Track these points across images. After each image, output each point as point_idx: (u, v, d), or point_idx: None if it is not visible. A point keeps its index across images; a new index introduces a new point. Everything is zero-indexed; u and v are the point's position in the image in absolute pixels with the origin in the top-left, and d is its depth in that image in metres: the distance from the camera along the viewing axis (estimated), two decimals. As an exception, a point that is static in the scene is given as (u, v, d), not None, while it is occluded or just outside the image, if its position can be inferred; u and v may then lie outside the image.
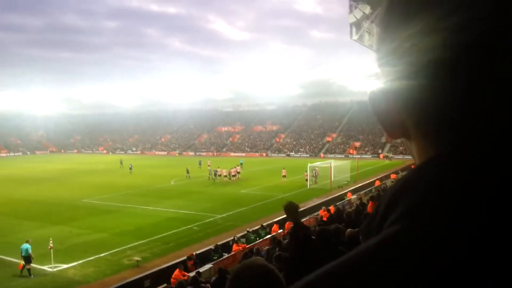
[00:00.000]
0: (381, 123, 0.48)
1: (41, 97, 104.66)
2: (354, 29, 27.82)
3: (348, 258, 0.39)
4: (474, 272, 0.33)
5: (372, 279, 0.35)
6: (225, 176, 39.11)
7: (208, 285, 10.39)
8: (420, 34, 0.38)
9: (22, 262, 15.57)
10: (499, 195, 0.34)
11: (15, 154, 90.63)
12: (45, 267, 16.14)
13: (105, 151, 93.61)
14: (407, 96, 0.42)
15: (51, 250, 16.02)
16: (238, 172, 40.19)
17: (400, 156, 61.09)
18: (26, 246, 15.57)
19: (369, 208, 11.31)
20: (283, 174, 38.04)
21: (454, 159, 0.38)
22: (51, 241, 16.18)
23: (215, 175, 39.48)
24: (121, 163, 54.84)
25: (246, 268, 1.28)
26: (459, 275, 0.33)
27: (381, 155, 64.60)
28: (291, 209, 3.34)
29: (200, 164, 50.72)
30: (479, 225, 0.34)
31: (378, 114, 0.47)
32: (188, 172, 41.96)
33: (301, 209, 23.69)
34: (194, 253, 15.79)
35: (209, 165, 45.71)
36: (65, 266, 16.38)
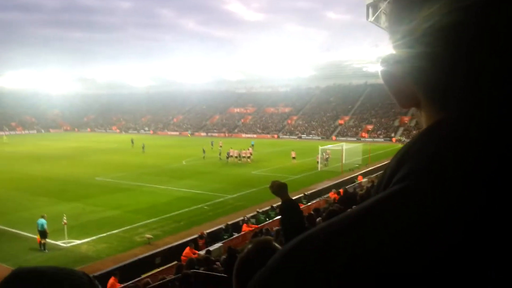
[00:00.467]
0: (392, 93, 0.49)
1: (56, 77, 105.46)
2: (371, 10, 27.28)
3: (351, 211, 0.40)
4: (479, 237, 0.32)
5: (371, 231, 0.36)
6: (236, 157, 39.29)
7: (218, 263, 10.55)
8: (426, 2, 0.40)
9: (38, 237, 15.99)
10: (506, 158, 0.34)
11: (30, 131, 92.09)
12: (59, 242, 16.52)
13: (118, 131, 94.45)
14: (414, 64, 0.43)
15: (65, 226, 16.38)
16: (251, 154, 40.16)
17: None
18: (41, 221, 15.93)
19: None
20: (293, 156, 38.01)
21: (460, 122, 0.39)
22: (64, 217, 16.53)
23: (227, 157, 39.65)
24: (132, 142, 55.38)
25: (255, 249, 1.26)
26: (463, 239, 0.33)
27: (393, 139, 64.03)
28: (280, 187, 3.14)
29: (212, 144, 50.93)
30: (487, 189, 0.34)
31: (389, 84, 0.49)
32: (204, 152, 42.30)
33: (312, 191, 23.69)
34: (205, 232, 16.00)
35: (220, 146, 45.92)
36: (78, 241, 16.75)
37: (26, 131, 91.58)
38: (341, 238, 0.37)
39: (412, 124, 68.89)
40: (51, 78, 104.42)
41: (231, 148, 40.88)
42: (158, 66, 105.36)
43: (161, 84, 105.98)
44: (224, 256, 11.86)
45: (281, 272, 0.39)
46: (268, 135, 76.66)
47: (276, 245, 1.31)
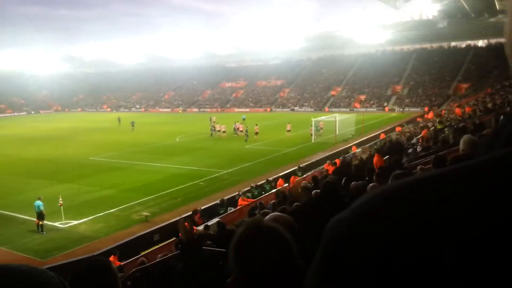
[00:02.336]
0: (506, 40, 0.48)
1: (43, 56, 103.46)
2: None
3: (455, 167, 0.39)
4: None
5: (480, 189, 0.35)
6: (224, 132, 39.43)
7: (208, 242, 10.51)
8: None
9: (36, 219, 15.99)
10: None
11: (19, 113, 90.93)
12: (57, 224, 16.54)
13: (109, 109, 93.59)
14: None
15: (61, 207, 16.36)
16: (241, 131, 39.86)
17: (406, 109, 60.66)
18: (38, 203, 15.89)
19: (375, 161, 11.25)
20: (288, 128, 38.09)
21: None
22: (60, 199, 16.49)
23: (235, 132, 39.88)
24: (119, 120, 54.85)
25: (250, 233, 1.21)
26: None
27: (386, 108, 64.13)
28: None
29: (211, 120, 50.67)
30: None
31: (504, 32, 0.48)
32: (214, 129, 41.33)
33: (307, 163, 23.75)
34: (198, 208, 16.07)
35: (214, 121, 45.77)
36: (75, 222, 16.78)
37: (16, 113, 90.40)
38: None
39: (405, 92, 68.89)
40: (38, 58, 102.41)
41: (219, 123, 41.16)
42: (146, 42, 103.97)
43: (150, 60, 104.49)
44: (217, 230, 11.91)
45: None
46: (261, 109, 76.42)
47: (269, 224, 1.26)
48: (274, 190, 17.53)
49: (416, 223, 0.36)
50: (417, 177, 0.41)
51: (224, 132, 39.57)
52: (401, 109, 60.44)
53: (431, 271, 0.35)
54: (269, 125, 46.57)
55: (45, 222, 16.05)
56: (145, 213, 16.97)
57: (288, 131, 37.88)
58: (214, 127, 40.63)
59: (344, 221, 0.41)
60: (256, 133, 36.91)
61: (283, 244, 1.15)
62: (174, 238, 12.94)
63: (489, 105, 21.19)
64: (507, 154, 0.38)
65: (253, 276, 1.12)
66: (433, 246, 0.35)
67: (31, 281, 0.67)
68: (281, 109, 74.79)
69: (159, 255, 10.04)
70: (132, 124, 48.34)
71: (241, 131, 39.07)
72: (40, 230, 15.86)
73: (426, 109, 56.19)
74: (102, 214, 17.61)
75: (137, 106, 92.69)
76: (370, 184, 6.03)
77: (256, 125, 37.89)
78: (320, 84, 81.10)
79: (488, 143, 0.47)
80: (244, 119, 47.21)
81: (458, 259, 0.34)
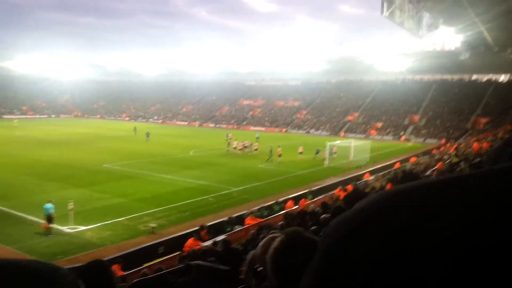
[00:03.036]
0: None
1: (67, 62, 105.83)
2: (385, 5, 26.89)
3: (472, 172, 0.40)
4: None
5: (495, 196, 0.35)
6: (240, 149, 39.78)
7: (211, 258, 10.43)
8: None
9: (44, 222, 16.12)
10: None
11: (41, 116, 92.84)
12: (64, 228, 16.66)
13: (127, 118, 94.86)
14: None
15: (71, 211, 16.50)
16: (256, 149, 40.02)
17: (421, 139, 59.98)
18: (48, 205, 16.05)
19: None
20: (300, 151, 37.55)
21: None
22: (71, 203, 16.64)
23: (241, 148, 39.97)
24: (134, 130, 55.73)
25: (291, 241, 1.18)
26: None
27: (402, 137, 63.52)
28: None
29: (227, 137, 50.96)
30: None
31: None
32: (229, 145, 41.54)
33: (318, 187, 23.53)
34: (205, 224, 16.00)
35: (230, 138, 46.02)
36: (83, 228, 16.88)
37: (37, 116, 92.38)
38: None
39: (422, 123, 68.24)
40: (62, 63, 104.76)
41: (236, 139, 41.13)
42: (168, 54, 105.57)
43: (171, 73, 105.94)
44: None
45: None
46: (277, 129, 76.47)
47: (308, 235, 1.25)
48: (282, 212, 17.40)
49: (418, 231, 0.36)
50: (421, 181, 0.41)
51: (240, 149, 39.48)
52: (422, 140, 59.43)
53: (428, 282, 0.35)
54: (283, 146, 46.50)
55: (52, 225, 16.18)
56: (152, 225, 16.98)
57: (300, 153, 37.26)
58: (229, 143, 40.63)
59: (346, 223, 0.41)
60: (280, 155, 35.79)
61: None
62: (178, 252, 12.89)
63: (508, 142, 20.80)
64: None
65: (288, 286, 1.09)
66: (435, 253, 0.35)
67: (39, 280, 0.65)
68: (296, 131, 74.71)
69: (162, 267, 9.99)
70: (147, 135, 48.90)
71: (256, 149, 39.17)
72: (47, 233, 15.99)
73: (443, 141, 55.49)
74: (110, 222, 17.68)
75: (155, 117, 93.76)
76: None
77: (279, 146, 36.94)
78: (338, 108, 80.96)
79: (494, 157, 0.48)
80: (257, 138, 47.28)
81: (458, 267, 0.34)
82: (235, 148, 39.97)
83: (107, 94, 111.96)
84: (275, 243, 1.18)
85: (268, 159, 35.01)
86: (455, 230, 0.35)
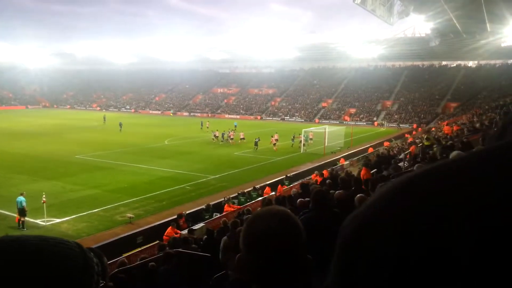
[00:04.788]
0: None
1: (34, 51, 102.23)
2: (357, -8, 27.05)
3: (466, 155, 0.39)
4: None
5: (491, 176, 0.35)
6: (217, 137, 39.43)
7: (194, 245, 10.45)
8: None
9: (17, 215, 15.69)
10: None
11: (8, 107, 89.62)
12: (38, 221, 16.27)
13: (98, 108, 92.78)
14: None
15: (44, 204, 16.11)
16: (242, 138, 39.79)
17: (394, 124, 61.23)
18: (20, 199, 15.62)
19: (362, 174, 11.34)
20: (276, 138, 37.13)
21: None
22: (44, 196, 16.24)
23: (220, 137, 39.55)
24: (104, 119, 54.60)
25: (262, 214, 1.17)
26: None
27: (375, 123, 64.69)
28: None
29: (202, 125, 50.53)
30: None
31: None
32: (215, 136, 40.21)
33: (294, 173, 23.76)
34: (183, 212, 15.95)
35: (207, 127, 45.75)
36: (58, 220, 16.53)
37: (3, 107, 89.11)
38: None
39: (394, 108, 69.58)
40: (29, 52, 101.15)
41: (217, 130, 40.75)
42: (140, 42, 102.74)
43: (143, 61, 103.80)
44: (205, 237, 11.83)
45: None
46: (251, 116, 76.50)
47: (282, 208, 1.24)
48: (260, 198, 17.50)
49: (433, 217, 0.35)
50: (427, 168, 0.40)
51: (232, 139, 38.92)
52: (398, 125, 60.19)
53: (449, 268, 0.34)
54: (259, 133, 46.63)
55: (26, 218, 15.78)
56: (129, 215, 16.78)
57: (276, 140, 35.68)
58: (223, 134, 39.61)
59: (360, 218, 0.40)
60: (242, 139, 37.09)
61: (294, 228, 1.12)
62: (157, 242, 12.81)
63: (477, 125, 21.50)
64: None
65: (258, 255, 1.08)
66: (451, 239, 0.34)
67: (41, 257, 0.65)
68: (271, 118, 74.95)
69: (142, 257, 9.93)
70: (120, 125, 47.91)
71: (232, 138, 39.00)
72: (21, 226, 15.58)
73: (415, 126, 56.80)
74: (85, 213, 17.37)
75: (127, 107, 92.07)
76: (358, 195, 6.07)
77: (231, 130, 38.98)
78: (312, 95, 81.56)
79: (496, 136, 0.48)
80: (236, 126, 47.12)
81: (476, 250, 0.33)
82: (216, 137, 39.43)
83: (77, 83, 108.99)
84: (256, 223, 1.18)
85: (255, 148, 34.47)
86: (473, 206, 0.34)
